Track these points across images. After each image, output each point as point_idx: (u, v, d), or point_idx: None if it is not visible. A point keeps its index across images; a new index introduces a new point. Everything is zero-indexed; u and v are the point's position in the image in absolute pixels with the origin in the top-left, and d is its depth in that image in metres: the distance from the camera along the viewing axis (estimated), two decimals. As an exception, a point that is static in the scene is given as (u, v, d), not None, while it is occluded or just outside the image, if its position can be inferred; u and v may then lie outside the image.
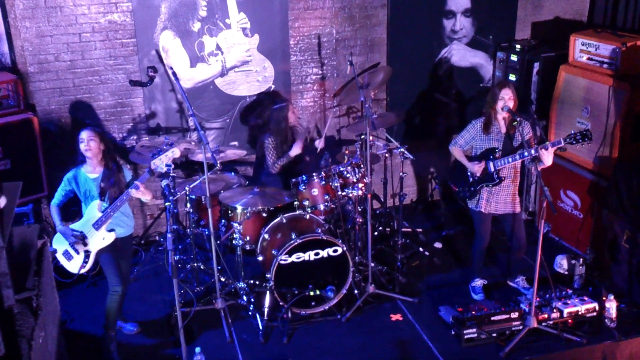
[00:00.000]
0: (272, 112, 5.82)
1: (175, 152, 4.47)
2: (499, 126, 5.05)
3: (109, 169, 4.59)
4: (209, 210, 4.91)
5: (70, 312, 5.22)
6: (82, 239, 4.51)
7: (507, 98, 4.92)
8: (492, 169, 5.03)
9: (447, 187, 6.91)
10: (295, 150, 5.73)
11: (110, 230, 4.57)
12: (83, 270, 4.58)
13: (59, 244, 4.60)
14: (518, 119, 4.91)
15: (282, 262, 4.98)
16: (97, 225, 4.51)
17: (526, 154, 4.84)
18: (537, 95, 6.20)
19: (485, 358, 4.68)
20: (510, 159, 4.95)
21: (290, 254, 4.99)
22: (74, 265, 4.58)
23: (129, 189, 4.49)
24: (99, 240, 4.55)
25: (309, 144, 6.12)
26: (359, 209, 5.54)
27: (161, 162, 4.45)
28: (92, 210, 4.55)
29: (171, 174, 5.25)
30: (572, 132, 4.79)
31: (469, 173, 5.15)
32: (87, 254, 4.54)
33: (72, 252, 4.57)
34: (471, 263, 5.49)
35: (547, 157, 4.77)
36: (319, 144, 5.97)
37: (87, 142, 4.53)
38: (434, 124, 6.93)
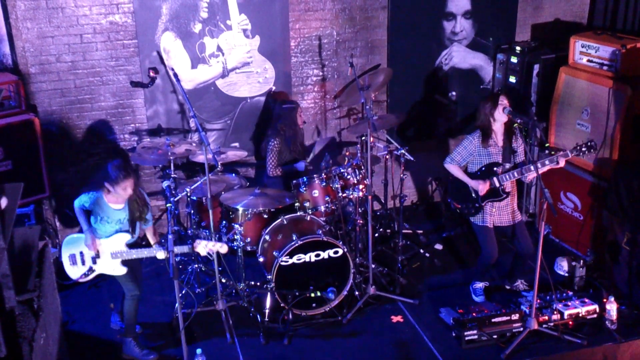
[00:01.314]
0: (280, 113, 5.84)
1: (223, 249, 4.35)
2: (495, 139, 4.97)
3: (136, 204, 4.54)
4: (210, 212, 4.92)
5: (72, 313, 5.23)
6: (95, 256, 4.51)
7: (506, 102, 4.90)
8: (497, 185, 4.96)
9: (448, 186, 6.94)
10: (300, 165, 5.81)
11: (124, 265, 4.55)
12: (81, 280, 4.60)
13: (70, 246, 4.56)
14: (518, 120, 4.90)
15: (283, 263, 4.99)
16: (115, 255, 4.49)
17: (532, 167, 4.77)
18: (537, 97, 6.21)
19: (486, 360, 4.69)
20: (515, 174, 4.88)
21: (291, 255, 5.00)
22: (75, 272, 4.57)
23: (158, 251, 4.45)
24: (109, 268, 4.54)
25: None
26: (360, 211, 5.55)
27: (205, 247, 4.32)
28: (119, 240, 4.51)
29: (172, 175, 5.28)
30: (577, 144, 4.81)
31: (471, 189, 5.05)
32: (90, 269, 4.55)
33: (78, 259, 4.54)
34: (476, 273, 5.41)
35: (562, 162, 4.86)
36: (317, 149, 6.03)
37: (126, 189, 4.40)
38: (435, 126, 6.93)
